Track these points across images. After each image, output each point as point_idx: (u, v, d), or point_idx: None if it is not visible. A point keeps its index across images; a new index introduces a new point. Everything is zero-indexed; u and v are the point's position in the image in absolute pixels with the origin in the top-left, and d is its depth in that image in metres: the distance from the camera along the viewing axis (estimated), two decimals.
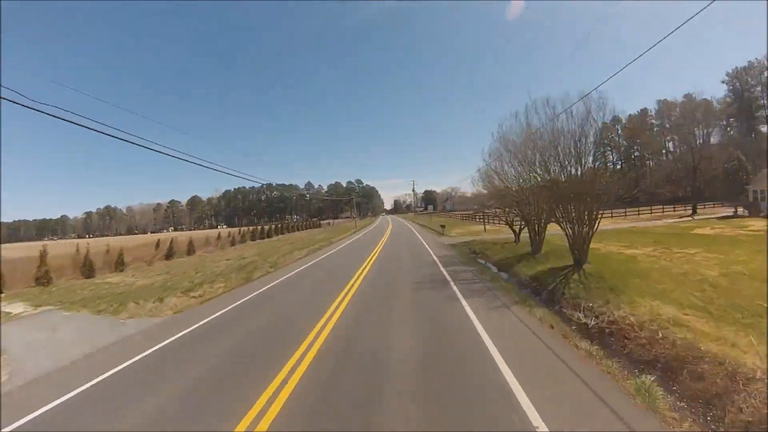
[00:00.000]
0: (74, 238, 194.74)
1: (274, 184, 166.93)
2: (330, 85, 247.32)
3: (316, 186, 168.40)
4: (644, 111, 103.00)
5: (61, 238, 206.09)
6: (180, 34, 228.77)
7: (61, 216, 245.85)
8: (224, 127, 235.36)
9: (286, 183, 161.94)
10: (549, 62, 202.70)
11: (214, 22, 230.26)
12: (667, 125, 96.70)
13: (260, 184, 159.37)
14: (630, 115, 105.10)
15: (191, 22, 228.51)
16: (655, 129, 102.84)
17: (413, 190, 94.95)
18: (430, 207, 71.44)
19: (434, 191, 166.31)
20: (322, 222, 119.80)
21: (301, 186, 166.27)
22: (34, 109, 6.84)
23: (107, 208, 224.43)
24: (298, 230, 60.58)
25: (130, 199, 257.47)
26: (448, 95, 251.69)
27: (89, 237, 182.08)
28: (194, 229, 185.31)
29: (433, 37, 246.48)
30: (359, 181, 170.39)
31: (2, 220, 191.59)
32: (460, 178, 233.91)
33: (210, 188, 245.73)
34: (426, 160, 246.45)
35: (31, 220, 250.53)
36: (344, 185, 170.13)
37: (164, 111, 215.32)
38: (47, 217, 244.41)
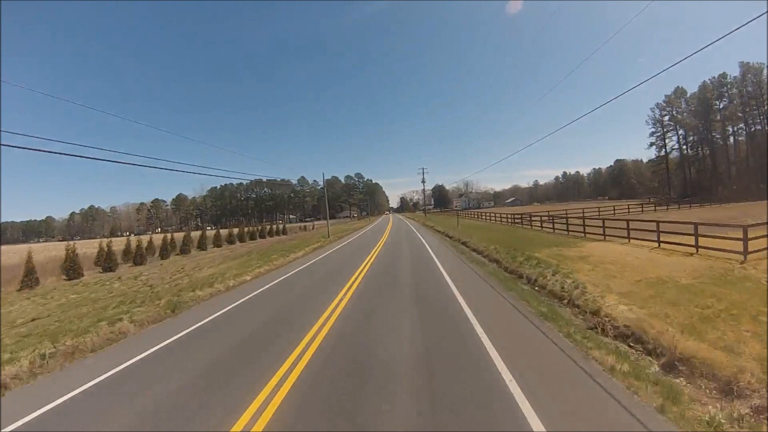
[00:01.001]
0: (59, 240, 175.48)
1: (264, 179, 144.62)
2: (331, 82, 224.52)
3: (310, 181, 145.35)
4: (723, 76, 77.78)
5: (47, 241, 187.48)
6: (166, 29, 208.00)
7: (46, 217, 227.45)
8: (212, 121, 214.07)
9: (278, 179, 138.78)
10: (550, 56, 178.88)
11: (205, 16, 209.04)
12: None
13: (248, 180, 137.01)
14: (704, 82, 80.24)
15: (179, 18, 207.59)
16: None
17: (422, 181, 71.42)
18: (460, 203, 45.12)
19: (444, 186, 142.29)
20: (309, 223, 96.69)
21: (295, 182, 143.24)
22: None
23: (91, 208, 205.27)
24: (238, 242, 37.45)
25: (117, 198, 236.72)
26: (452, 93, 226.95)
27: (76, 239, 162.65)
28: (180, 231, 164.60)
29: (437, 34, 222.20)
30: (360, 176, 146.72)
31: None
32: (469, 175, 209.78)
33: (196, 185, 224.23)
34: (431, 158, 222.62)
35: (18, 221, 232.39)
36: (343, 181, 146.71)
37: (151, 108, 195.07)
38: (33, 219, 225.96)
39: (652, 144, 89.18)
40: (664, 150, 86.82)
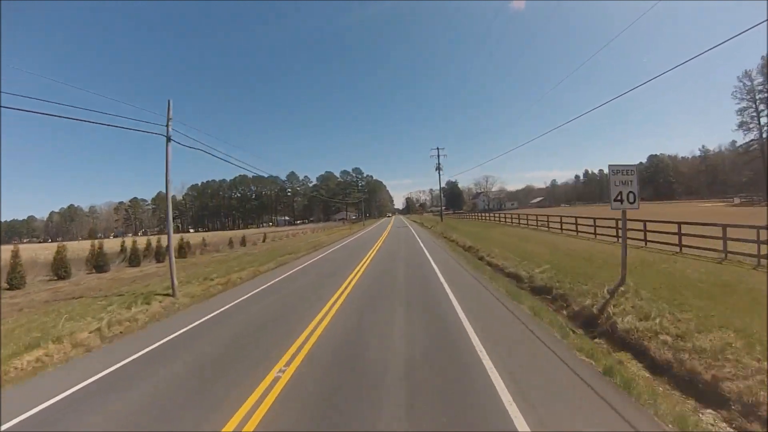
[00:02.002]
0: (40, 242, 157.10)
1: (251, 175, 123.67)
2: (332, 80, 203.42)
3: (301, 178, 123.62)
4: None
5: (30, 242, 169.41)
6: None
7: (28, 217, 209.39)
8: (198, 113, 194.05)
9: (265, 174, 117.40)
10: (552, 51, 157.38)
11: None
12: None
13: (232, 177, 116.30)
14: None
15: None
16: None
17: (437, 167, 47.76)
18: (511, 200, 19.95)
19: (457, 184, 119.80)
20: (272, 229, 75.29)
21: (284, 179, 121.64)
22: None
23: (70, 207, 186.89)
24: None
25: (99, 197, 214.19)
26: (458, 91, 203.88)
27: (50, 241, 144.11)
28: (160, 233, 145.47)
29: (447, 29, 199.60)
30: (359, 171, 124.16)
31: None
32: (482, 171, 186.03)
33: (177, 183, 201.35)
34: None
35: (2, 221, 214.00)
36: (339, 177, 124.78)
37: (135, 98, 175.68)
38: (14, 218, 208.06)
39: (741, 124, 65.56)
40: (759, 132, 63.19)
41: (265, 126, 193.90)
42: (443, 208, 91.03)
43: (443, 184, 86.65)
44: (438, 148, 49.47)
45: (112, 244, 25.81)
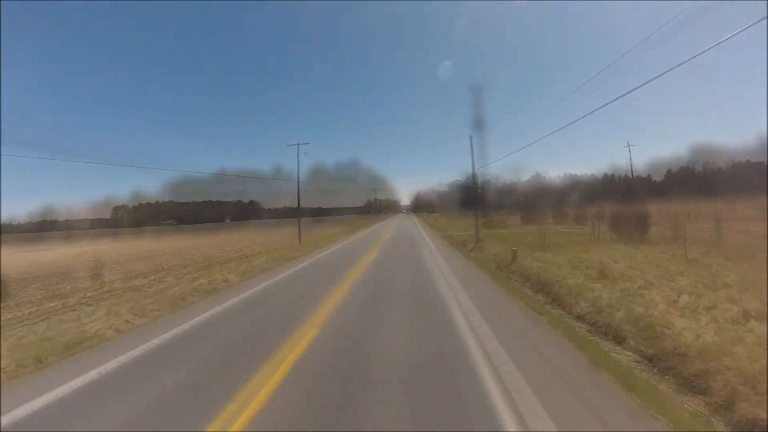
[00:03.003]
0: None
1: (231, 173, 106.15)
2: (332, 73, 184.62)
3: (289, 173, 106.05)
4: None
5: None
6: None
7: (9, 219, 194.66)
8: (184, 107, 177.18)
9: (249, 169, 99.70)
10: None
11: None
12: None
13: (211, 173, 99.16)
14: None
15: None
16: None
17: (475, 124, 24.95)
18: None
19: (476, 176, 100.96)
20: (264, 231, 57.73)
21: (269, 169, 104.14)
22: None
23: (48, 208, 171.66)
24: None
25: (79, 195, 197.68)
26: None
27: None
28: (137, 236, 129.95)
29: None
30: (356, 164, 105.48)
31: None
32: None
33: (156, 179, 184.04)
34: (445, 152, 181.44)
35: None
36: (334, 172, 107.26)
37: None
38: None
39: None
40: None
41: (265, 126, 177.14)
42: (456, 207, 62.26)
43: (456, 180, 67.00)
44: (476, 86, 28.94)
45: None
